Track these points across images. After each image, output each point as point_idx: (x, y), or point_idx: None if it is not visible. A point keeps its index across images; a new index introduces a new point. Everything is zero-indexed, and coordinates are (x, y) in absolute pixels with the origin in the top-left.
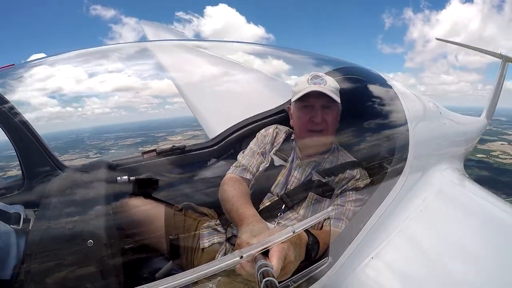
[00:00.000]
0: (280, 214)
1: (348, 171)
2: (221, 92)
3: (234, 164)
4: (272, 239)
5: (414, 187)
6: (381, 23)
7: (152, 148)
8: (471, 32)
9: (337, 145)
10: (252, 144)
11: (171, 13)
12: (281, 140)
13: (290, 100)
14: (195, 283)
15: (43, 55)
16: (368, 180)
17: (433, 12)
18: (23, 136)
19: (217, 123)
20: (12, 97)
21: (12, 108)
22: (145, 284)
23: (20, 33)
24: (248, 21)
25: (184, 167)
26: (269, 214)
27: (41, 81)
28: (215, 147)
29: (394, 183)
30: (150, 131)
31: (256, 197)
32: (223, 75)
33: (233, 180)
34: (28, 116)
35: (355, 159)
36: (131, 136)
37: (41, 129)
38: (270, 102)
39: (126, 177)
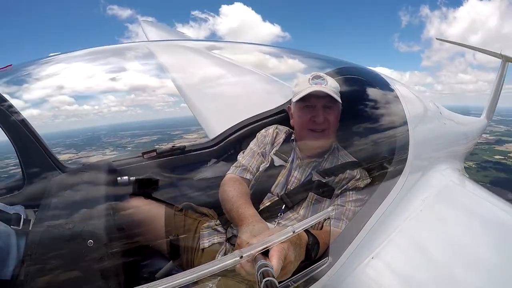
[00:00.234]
0: (280, 214)
1: (348, 171)
2: (221, 92)
3: (234, 164)
4: (272, 239)
5: (414, 187)
6: (397, 20)
7: (152, 148)
8: (488, 29)
9: (337, 145)
10: (252, 144)
11: (187, 12)
12: (281, 140)
13: (290, 100)
14: (195, 283)
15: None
16: (368, 180)
17: (450, 9)
18: (23, 136)
19: (217, 123)
20: (24, 97)
21: (11, 107)
22: (145, 284)
23: (38, 32)
24: (264, 19)
25: (184, 167)
26: (269, 214)
27: (54, 79)
28: (215, 148)
29: (394, 183)
30: (166, 129)
31: (256, 197)
32: (223, 75)
33: (233, 180)
34: (43, 114)
35: (355, 159)
36: (147, 134)
37: (57, 127)
38: (270, 102)
39: (126, 177)
